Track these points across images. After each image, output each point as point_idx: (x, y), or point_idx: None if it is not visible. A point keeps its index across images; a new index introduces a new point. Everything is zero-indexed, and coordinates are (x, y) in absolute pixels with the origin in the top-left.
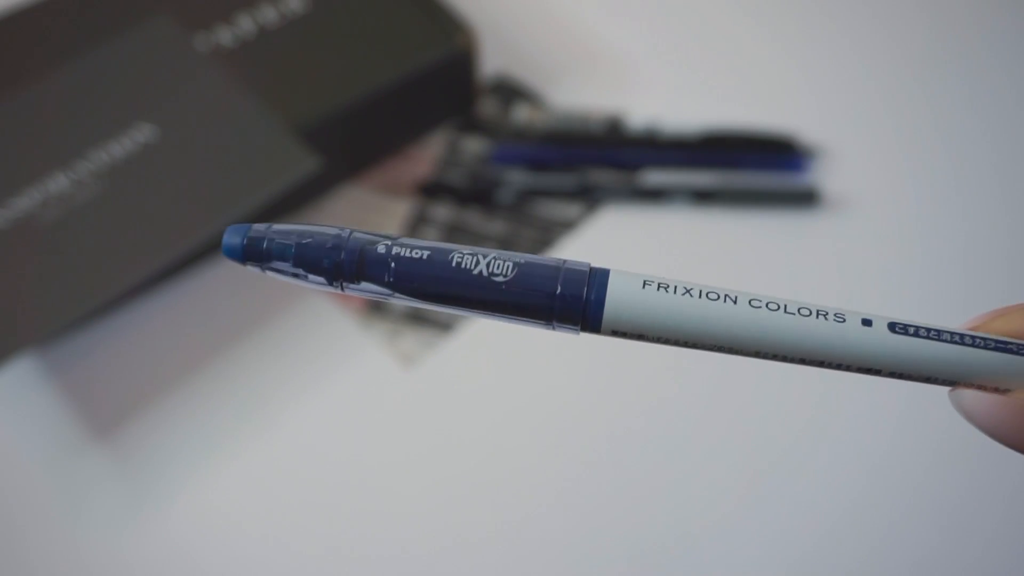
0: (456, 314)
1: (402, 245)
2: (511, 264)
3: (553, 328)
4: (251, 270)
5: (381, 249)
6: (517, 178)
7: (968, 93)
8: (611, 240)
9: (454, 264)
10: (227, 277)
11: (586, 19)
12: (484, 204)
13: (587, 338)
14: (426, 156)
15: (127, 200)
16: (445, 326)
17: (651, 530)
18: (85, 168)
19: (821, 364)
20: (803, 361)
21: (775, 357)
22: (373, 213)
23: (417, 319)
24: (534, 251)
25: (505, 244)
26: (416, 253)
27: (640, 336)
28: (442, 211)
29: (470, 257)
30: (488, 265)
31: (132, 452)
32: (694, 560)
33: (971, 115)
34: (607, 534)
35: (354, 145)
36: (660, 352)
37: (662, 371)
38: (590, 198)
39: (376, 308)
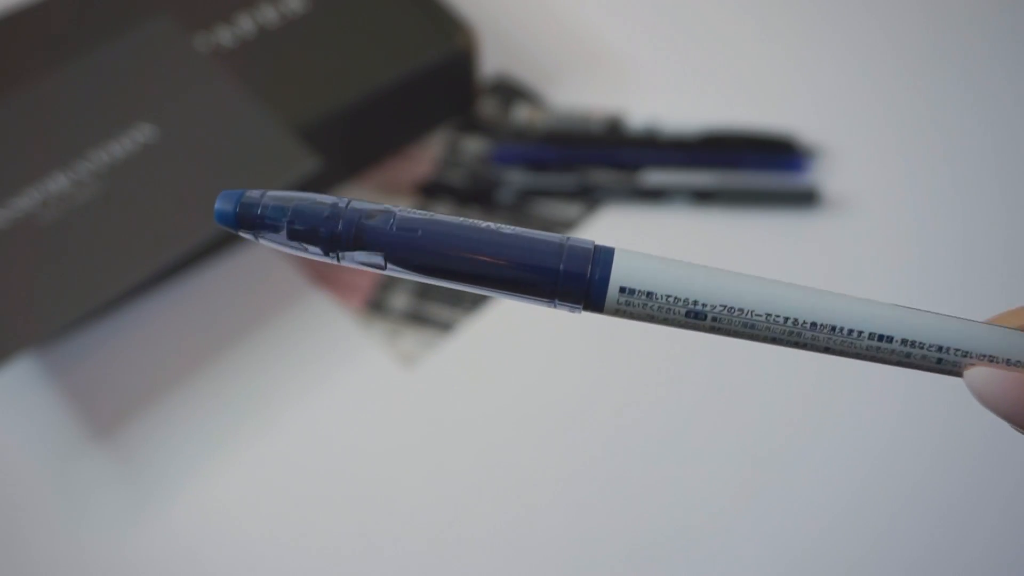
0: (454, 288)
1: (404, 208)
2: (516, 228)
3: (555, 306)
4: (245, 237)
5: (383, 210)
6: (517, 178)
7: (968, 93)
8: (611, 240)
9: (459, 220)
10: (227, 277)
11: (586, 19)
12: (484, 204)
13: (586, 338)
14: (426, 156)
15: (127, 200)
16: (445, 326)
17: (652, 528)
18: (85, 168)
19: (832, 333)
20: (815, 328)
21: (785, 323)
22: None
23: (417, 319)
24: None
25: None
26: (419, 214)
27: (646, 306)
28: (442, 211)
29: (477, 220)
30: (494, 224)
31: (133, 452)
32: (692, 557)
33: (971, 115)
34: (607, 532)
35: (354, 145)
36: (659, 352)
37: (662, 370)
38: (590, 198)
39: (376, 308)
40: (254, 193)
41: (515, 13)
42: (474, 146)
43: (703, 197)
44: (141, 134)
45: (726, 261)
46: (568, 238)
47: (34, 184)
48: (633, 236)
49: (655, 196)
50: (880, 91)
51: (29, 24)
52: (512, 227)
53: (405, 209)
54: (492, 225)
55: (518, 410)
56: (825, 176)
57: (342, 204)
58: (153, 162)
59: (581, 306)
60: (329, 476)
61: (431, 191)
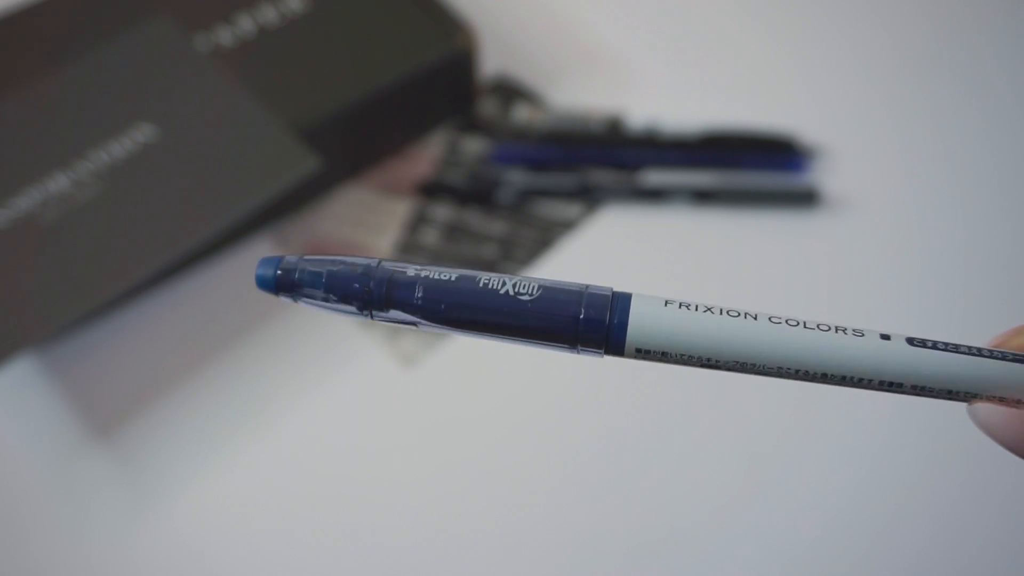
0: (483, 339)
1: (430, 270)
2: (536, 285)
3: (578, 352)
4: (283, 300)
5: (410, 274)
6: (517, 178)
7: (968, 93)
8: (611, 240)
9: (480, 285)
10: (227, 277)
11: (586, 19)
12: (484, 204)
13: None
14: (426, 156)
15: (127, 200)
16: None
17: (651, 528)
18: (85, 168)
19: (843, 380)
20: (825, 378)
21: (796, 374)
22: (373, 213)
23: None
24: (534, 251)
25: (505, 244)
26: (444, 276)
27: (663, 356)
28: (442, 211)
29: (496, 279)
30: (514, 286)
31: (133, 453)
32: (691, 557)
33: (971, 115)
34: (607, 531)
35: (354, 145)
36: None
37: (662, 372)
38: (590, 198)
39: None
40: (291, 258)
41: (515, 13)
42: (474, 146)
43: (703, 197)
44: (141, 134)
45: (726, 261)
46: (587, 286)
47: (34, 184)
48: (633, 236)
49: (655, 196)
50: (880, 91)
51: (29, 24)
52: (531, 279)
53: (432, 267)
54: (512, 285)
55: (518, 410)
56: (825, 176)
57: (373, 265)
58: (153, 162)
59: (603, 351)
60: (329, 476)
61: (431, 191)
